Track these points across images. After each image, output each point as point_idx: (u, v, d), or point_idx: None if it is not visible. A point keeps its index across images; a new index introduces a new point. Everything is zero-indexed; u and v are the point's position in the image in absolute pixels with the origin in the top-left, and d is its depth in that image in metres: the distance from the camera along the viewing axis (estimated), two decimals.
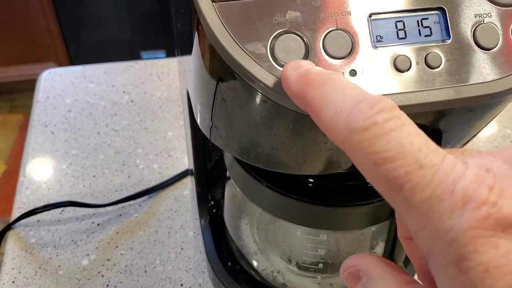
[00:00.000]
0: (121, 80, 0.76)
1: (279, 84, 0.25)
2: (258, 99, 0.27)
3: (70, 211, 0.58)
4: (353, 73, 0.25)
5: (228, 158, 0.42)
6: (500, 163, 0.17)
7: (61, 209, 0.58)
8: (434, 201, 0.16)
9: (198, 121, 0.36)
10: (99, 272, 0.53)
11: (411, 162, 0.17)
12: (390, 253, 0.42)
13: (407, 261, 0.48)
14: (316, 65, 0.25)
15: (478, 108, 0.28)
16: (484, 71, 0.26)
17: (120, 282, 0.52)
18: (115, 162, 0.64)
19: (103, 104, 0.72)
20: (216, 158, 0.51)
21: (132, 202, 0.59)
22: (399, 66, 0.26)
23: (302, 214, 0.38)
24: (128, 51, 1.93)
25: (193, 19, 0.27)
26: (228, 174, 0.44)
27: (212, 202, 0.51)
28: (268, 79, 0.25)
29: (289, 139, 0.29)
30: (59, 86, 0.74)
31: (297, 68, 0.23)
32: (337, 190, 0.38)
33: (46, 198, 0.59)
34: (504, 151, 0.18)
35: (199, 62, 0.29)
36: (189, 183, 0.61)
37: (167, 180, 0.61)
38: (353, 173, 0.36)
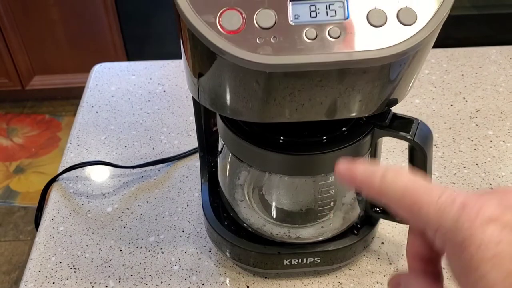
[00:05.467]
0: (157, 74, 0.89)
1: (223, 43, 0.36)
2: (212, 57, 0.38)
3: (102, 171, 0.72)
4: (275, 39, 0.37)
5: (220, 126, 0.53)
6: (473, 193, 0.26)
7: (95, 168, 0.72)
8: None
9: (188, 87, 0.48)
10: (119, 217, 0.65)
11: None
12: None
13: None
14: (249, 33, 0.36)
15: (373, 70, 0.39)
16: (372, 42, 0.37)
17: (135, 226, 0.64)
18: (144, 137, 0.77)
19: (140, 92, 0.86)
20: (214, 130, 0.62)
21: (152, 167, 0.72)
22: (308, 36, 0.37)
23: (278, 164, 0.49)
24: None
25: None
26: (220, 143, 0.56)
27: (212, 164, 0.63)
28: (216, 40, 0.37)
29: (235, 88, 0.40)
30: (107, 77, 0.89)
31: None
32: (303, 143, 0.49)
33: (86, 160, 0.73)
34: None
35: (180, 36, 0.41)
36: None
37: (184, 153, 0.73)
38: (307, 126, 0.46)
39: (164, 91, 0.86)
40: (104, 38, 2.01)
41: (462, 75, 0.89)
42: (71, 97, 2.25)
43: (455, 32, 1.90)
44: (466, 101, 0.83)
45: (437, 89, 0.86)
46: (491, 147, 0.75)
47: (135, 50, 2.08)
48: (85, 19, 1.96)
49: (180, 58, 0.90)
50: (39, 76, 2.11)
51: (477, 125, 0.79)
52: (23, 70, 2.07)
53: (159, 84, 0.88)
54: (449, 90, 0.86)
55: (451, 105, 0.83)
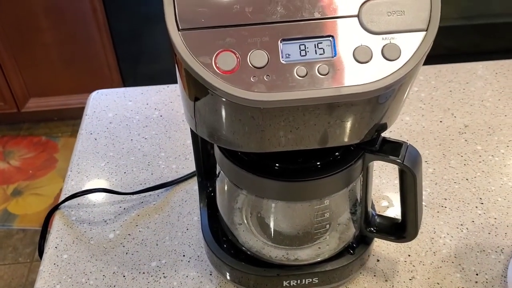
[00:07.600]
0: (154, 100, 0.92)
1: (220, 82, 0.39)
2: (208, 95, 0.40)
3: (103, 198, 0.73)
4: (268, 77, 0.39)
5: (217, 154, 0.55)
6: None
7: (96, 195, 0.73)
8: None
9: (186, 119, 0.50)
10: (121, 243, 0.67)
11: None
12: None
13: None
14: (244, 72, 0.39)
15: (361, 102, 0.41)
16: (358, 78, 0.39)
17: (137, 251, 0.66)
18: (142, 162, 0.79)
19: (138, 118, 0.88)
20: (212, 154, 0.64)
21: (152, 192, 0.74)
22: (299, 73, 0.39)
23: (274, 191, 0.52)
24: None
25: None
26: (217, 167, 0.58)
27: (210, 189, 0.65)
28: (213, 79, 0.39)
29: (232, 123, 0.42)
30: (104, 103, 0.91)
31: None
32: (298, 170, 0.51)
33: (86, 187, 0.75)
34: None
35: (178, 74, 0.43)
36: None
37: (182, 177, 0.75)
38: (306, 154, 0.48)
39: (161, 115, 0.88)
40: (98, 59, 2.03)
41: (450, 91, 0.92)
42: (67, 118, 2.26)
43: (445, 41, 1.93)
44: (455, 117, 0.86)
45: (426, 106, 0.88)
46: (480, 162, 0.77)
47: (130, 70, 2.10)
48: (78, 40, 1.97)
49: (175, 82, 0.92)
50: (35, 98, 2.13)
51: (466, 140, 0.81)
52: (19, 92, 2.08)
53: (155, 109, 0.90)
54: (438, 107, 0.88)
55: (440, 121, 0.85)
